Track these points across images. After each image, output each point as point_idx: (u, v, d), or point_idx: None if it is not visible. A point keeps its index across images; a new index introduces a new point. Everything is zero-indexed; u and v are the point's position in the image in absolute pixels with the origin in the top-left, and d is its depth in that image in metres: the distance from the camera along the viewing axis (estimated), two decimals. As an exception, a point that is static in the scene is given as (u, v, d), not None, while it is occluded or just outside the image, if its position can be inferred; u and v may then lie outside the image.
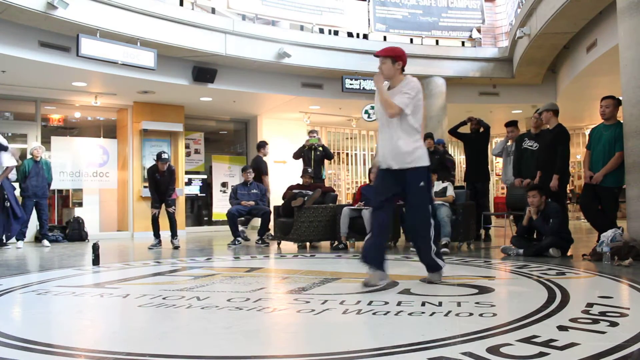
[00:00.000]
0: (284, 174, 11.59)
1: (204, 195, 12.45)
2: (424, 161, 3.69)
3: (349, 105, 11.58)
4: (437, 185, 6.71)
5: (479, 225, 7.48)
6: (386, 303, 3.12)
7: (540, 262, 4.92)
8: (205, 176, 12.41)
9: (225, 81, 9.76)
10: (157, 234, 7.74)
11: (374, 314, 2.88)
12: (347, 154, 15.05)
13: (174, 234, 7.69)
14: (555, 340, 2.24)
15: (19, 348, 2.38)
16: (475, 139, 7.95)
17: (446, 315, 2.80)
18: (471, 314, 2.81)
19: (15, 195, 7.41)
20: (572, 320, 2.61)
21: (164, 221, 7.78)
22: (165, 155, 7.74)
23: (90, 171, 10.63)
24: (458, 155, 17.44)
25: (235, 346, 2.37)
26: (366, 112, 10.93)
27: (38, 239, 9.01)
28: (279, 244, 7.61)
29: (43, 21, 7.31)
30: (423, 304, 3.07)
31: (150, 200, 7.95)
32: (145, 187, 10.75)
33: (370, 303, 3.14)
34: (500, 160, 8.70)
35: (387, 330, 2.56)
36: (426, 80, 10.87)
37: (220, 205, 10.56)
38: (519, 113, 12.29)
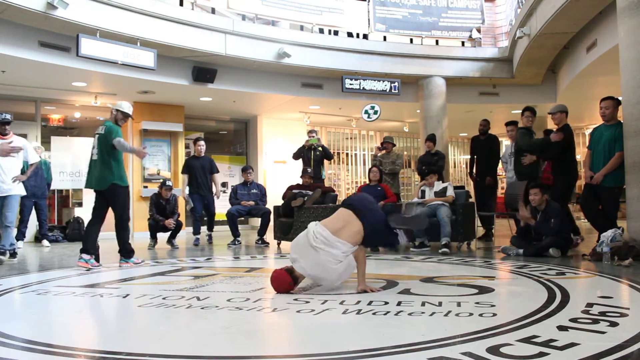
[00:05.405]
0: (283, 174, 11.59)
1: (204, 195, 12.43)
2: None
3: (349, 105, 11.58)
4: (437, 186, 6.71)
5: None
6: (386, 303, 3.12)
7: (540, 262, 4.92)
8: (205, 176, 12.39)
9: (225, 81, 9.75)
10: (153, 235, 7.82)
11: (374, 314, 2.88)
12: (347, 154, 15.05)
13: (174, 236, 7.79)
14: (555, 340, 2.24)
15: (19, 348, 2.38)
16: (484, 141, 7.95)
17: (446, 315, 2.80)
18: (471, 314, 2.80)
19: None
20: (572, 320, 2.61)
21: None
22: (169, 183, 7.98)
23: (90, 171, 10.61)
24: (458, 156, 17.48)
25: (235, 346, 2.37)
26: (366, 112, 10.90)
27: (38, 239, 9.00)
28: (278, 244, 7.60)
29: (43, 21, 7.31)
30: (423, 304, 3.07)
31: (150, 230, 7.86)
32: (145, 187, 10.75)
33: (370, 303, 3.14)
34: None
35: (387, 330, 2.56)
36: (426, 80, 10.88)
37: (221, 205, 10.53)
38: (519, 113, 12.25)
